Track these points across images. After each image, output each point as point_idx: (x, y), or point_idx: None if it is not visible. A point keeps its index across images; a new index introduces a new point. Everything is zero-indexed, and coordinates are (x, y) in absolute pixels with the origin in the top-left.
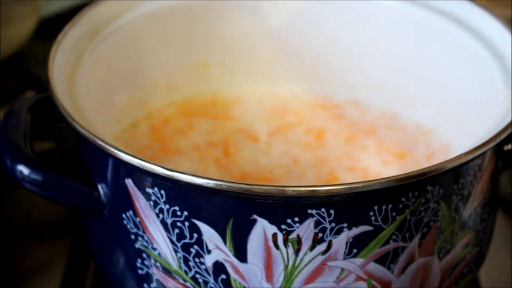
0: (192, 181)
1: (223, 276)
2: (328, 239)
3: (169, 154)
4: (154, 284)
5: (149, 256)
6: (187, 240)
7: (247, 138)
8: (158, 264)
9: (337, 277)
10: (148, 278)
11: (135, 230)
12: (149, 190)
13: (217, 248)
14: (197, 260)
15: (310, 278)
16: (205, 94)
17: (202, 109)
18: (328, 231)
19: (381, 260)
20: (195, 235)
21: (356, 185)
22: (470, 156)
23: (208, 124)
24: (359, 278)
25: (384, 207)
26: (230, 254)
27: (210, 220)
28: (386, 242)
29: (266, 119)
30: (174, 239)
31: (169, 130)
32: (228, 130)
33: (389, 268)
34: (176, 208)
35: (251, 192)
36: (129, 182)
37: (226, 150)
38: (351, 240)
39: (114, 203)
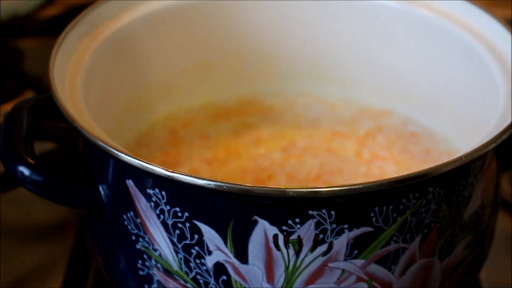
0: (193, 182)
1: (224, 277)
2: (329, 240)
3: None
4: (155, 285)
5: (150, 257)
6: (188, 241)
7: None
8: (159, 265)
9: (338, 278)
10: (149, 279)
11: (136, 231)
12: (150, 191)
13: (218, 249)
14: (198, 261)
15: (311, 279)
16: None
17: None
18: (329, 232)
19: (382, 261)
20: (196, 236)
21: (357, 186)
22: (471, 157)
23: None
24: (360, 279)
25: (385, 208)
26: (231, 255)
27: (211, 221)
28: (387, 243)
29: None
30: (175, 240)
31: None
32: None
33: (390, 269)
34: (177, 209)
35: (252, 193)
36: (129, 183)
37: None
38: (352, 241)
39: (114, 204)
